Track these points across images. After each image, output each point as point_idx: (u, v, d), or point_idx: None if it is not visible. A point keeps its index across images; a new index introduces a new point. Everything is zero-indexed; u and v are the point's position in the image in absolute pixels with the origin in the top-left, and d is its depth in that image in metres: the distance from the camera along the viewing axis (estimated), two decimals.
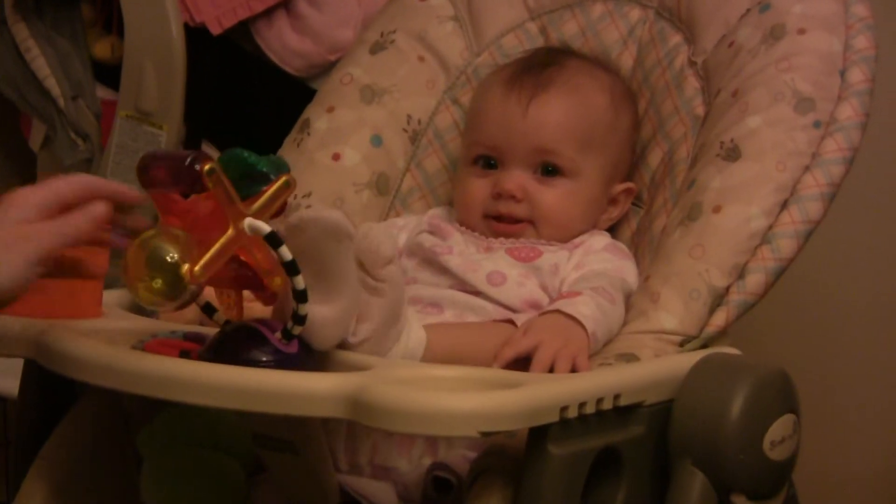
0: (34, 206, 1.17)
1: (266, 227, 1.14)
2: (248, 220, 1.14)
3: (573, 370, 1.30)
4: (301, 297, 1.15)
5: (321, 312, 1.18)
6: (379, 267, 1.23)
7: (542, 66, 1.59)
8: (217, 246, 1.13)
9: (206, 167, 1.12)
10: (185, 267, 1.11)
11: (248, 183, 1.15)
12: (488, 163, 1.57)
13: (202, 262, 1.12)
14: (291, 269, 1.15)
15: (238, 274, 1.18)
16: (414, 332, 1.30)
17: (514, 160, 1.55)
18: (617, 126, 1.59)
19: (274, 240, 1.14)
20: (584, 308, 1.38)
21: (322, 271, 1.17)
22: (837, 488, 2.11)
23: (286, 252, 1.14)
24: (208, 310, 1.24)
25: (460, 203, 1.60)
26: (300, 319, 1.17)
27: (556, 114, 1.55)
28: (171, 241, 1.13)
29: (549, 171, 1.54)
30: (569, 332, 1.35)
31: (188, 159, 1.13)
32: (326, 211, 1.17)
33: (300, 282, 1.15)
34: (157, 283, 1.12)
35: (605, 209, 1.59)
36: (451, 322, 1.44)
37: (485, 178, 1.57)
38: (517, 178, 1.54)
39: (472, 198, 1.57)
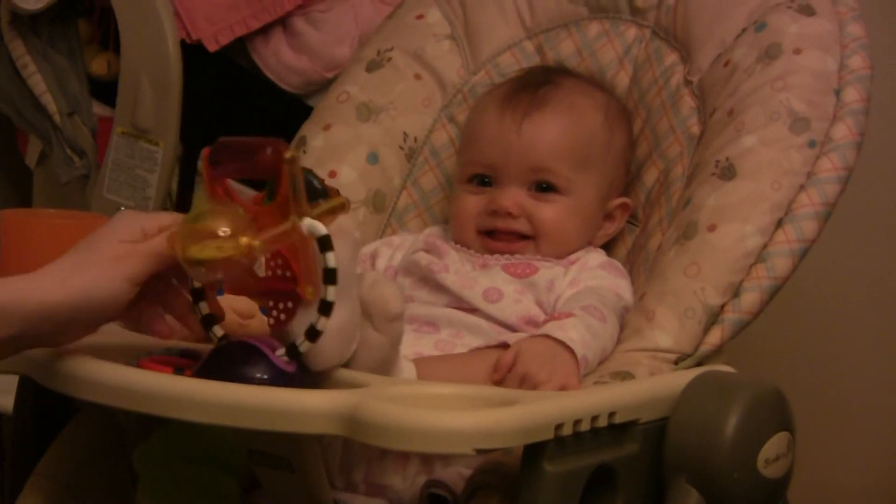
0: (139, 227, 1.18)
1: (323, 229, 1.15)
2: (308, 220, 1.15)
3: None
4: (326, 308, 1.16)
5: (321, 322, 1.18)
6: (385, 321, 1.23)
7: (537, 85, 1.60)
8: (277, 230, 1.14)
9: (288, 154, 1.14)
10: (244, 240, 1.12)
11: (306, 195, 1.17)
12: (483, 181, 1.57)
13: (263, 237, 1.13)
14: (331, 277, 1.15)
15: (273, 276, 1.19)
16: (405, 372, 1.30)
17: (509, 178, 1.55)
18: (611, 145, 1.59)
19: (326, 243, 1.15)
20: (573, 332, 1.37)
21: None
22: (834, 497, 2.11)
23: (333, 258, 1.15)
24: (207, 322, 1.24)
25: (454, 220, 1.60)
26: (315, 334, 1.17)
27: (550, 132, 1.55)
28: (224, 215, 1.13)
29: (544, 188, 1.55)
30: (555, 361, 1.35)
31: (268, 146, 1.15)
32: None
33: (332, 293, 1.15)
34: (208, 251, 1.12)
35: (600, 225, 1.59)
36: (436, 355, 1.44)
37: (480, 195, 1.57)
38: (513, 196, 1.54)
39: (466, 214, 1.57)
